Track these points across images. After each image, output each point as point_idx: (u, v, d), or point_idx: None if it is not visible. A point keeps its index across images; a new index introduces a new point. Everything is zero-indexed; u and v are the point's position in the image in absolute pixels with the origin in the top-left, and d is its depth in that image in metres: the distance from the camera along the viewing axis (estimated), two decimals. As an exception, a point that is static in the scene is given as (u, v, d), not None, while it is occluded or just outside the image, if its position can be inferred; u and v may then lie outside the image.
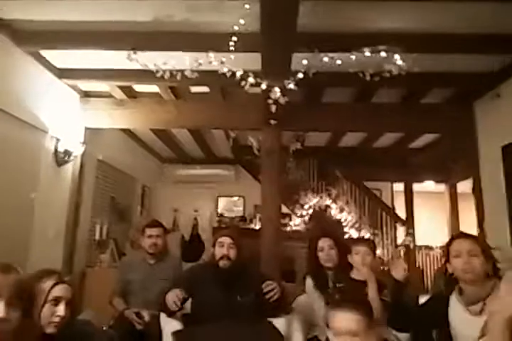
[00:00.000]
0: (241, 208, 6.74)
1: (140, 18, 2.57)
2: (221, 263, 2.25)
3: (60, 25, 2.67)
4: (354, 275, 2.37)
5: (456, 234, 1.87)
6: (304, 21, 2.26)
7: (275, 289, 2.14)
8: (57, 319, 1.37)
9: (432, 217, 7.16)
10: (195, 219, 6.47)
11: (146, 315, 2.54)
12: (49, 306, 1.38)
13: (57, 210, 3.46)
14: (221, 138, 5.27)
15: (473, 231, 3.42)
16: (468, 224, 4.07)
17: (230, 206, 6.80)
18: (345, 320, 1.40)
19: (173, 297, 2.07)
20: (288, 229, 5.60)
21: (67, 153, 3.40)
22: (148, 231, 2.79)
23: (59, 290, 1.41)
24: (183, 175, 6.55)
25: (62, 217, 3.52)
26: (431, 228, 6.65)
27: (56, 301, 1.39)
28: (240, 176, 6.54)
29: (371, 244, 2.50)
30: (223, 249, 2.27)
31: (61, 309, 1.38)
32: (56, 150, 3.33)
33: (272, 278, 2.31)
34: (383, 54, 2.65)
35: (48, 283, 1.40)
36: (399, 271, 1.96)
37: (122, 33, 2.72)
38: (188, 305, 2.30)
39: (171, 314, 2.21)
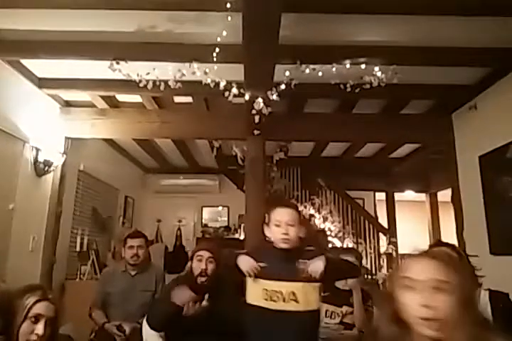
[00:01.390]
0: (225, 218, 6.71)
1: (123, 29, 2.57)
2: (199, 281, 2.19)
3: (42, 35, 2.64)
4: (339, 284, 2.37)
5: (434, 242, 1.92)
6: (286, 33, 2.30)
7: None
8: (34, 337, 1.32)
9: (413, 226, 7.26)
10: (179, 229, 6.40)
11: (127, 328, 2.49)
12: (28, 323, 1.33)
13: (36, 221, 3.38)
14: (205, 148, 5.26)
15: (454, 239, 3.48)
16: (450, 232, 4.14)
17: (214, 216, 6.75)
18: (285, 212, 1.85)
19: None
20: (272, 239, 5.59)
21: (47, 163, 3.33)
22: (130, 242, 2.75)
23: (40, 308, 1.36)
24: (166, 185, 6.49)
25: (41, 228, 3.44)
26: (413, 236, 6.73)
27: (36, 319, 1.34)
28: (224, 186, 6.52)
29: (357, 253, 2.52)
30: (201, 263, 2.22)
31: (40, 327, 1.33)
32: (36, 161, 3.27)
33: None
34: (363, 66, 2.72)
35: (30, 300, 1.36)
36: None
37: (105, 43, 2.71)
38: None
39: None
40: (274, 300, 1.75)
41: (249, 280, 1.84)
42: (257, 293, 1.80)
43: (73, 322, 2.59)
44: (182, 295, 2.00)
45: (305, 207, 5.77)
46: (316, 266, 1.75)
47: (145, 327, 2.20)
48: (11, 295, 1.14)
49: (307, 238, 2.44)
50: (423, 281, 0.93)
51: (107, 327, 2.56)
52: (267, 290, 1.77)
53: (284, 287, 1.76)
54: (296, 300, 1.75)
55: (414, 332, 0.93)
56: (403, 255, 6.34)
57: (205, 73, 2.74)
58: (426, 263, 0.96)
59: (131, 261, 2.73)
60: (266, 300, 1.76)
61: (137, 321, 2.48)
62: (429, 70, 3.02)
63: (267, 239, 1.89)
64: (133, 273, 2.76)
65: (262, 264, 1.82)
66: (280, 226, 1.82)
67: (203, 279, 2.19)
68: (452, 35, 2.60)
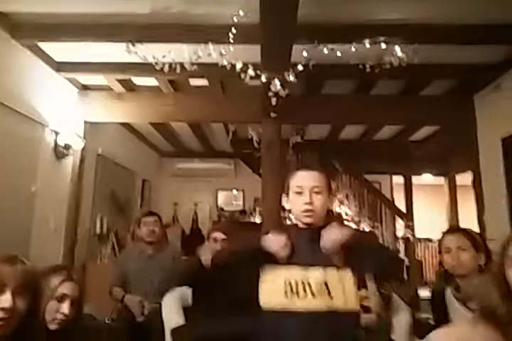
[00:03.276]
0: (241, 202, 6.76)
1: (138, 10, 2.54)
2: (214, 261, 2.21)
3: (58, 18, 2.64)
4: None
5: (447, 229, 1.88)
6: (304, 12, 2.24)
7: None
8: (60, 316, 1.37)
9: (431, 210, 7.19)
10: (195, 213, 6.49)
11: (146, 305, 2.55)
12: (54, 302, 1.38)
13: (57, 204, 3.46)
14: (220, 132, 5.26)
15: (473, 223, 3.43)
16: (468, 216, 4.08)
17: (229, 200, 6.81)
18: (309, 176, 1.40)
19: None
20: (288, 222, 5.62)
21: (66, 146, 3.39)
22: (144, 220, 2.82)
23: (66, 288, 1.41)
24: (182, 169, 6.55)
25: (62, 210, 3.53)
26: (430, 220, 6.67)
27: (62, 298, 1.39)
28: (239, 170, 6.54)
29: (374, 238, 2.51)
30: (216, 244, 2.28)
31: (65, 307, 1.38)
32: (56, 144, 3.32)
33: None
34: (383, 45, 2.64)
35: (56, 279, 1.40)
36: None
37: (120, 25, 2.69)
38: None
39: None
40: (299, 295, 1.28)
41: (266, 273, 1.35)
42: (274, 287, 1.31)
43: (94, 301, 2.68)
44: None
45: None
46: (333, 233, 1.32)
47: (165, 305, 2.26)
48: (37, 275, 1.18)
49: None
50: None
51: (127, 299, 2.60)
52: (289, 281, 1.30)
53: (313, 276, 1.29)
54: (329, 294, 1.27)
55: None
56: (420, 239, 6.30)
57: (221, 55, 2.70)
58: None
59: (148, 239, 2.77)
60: (287, 295, 1.28)
61: (156, 302, 2.53)
62: (451, 49, 2.91)
63: (286, 214, 1.59)
64: (150, 252, 2.81)
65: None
66: (302, 194, 1.37)
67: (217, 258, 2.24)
68: (475, 12, 2.49)
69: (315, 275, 1.30)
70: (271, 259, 1.35)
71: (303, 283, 1.29)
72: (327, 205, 1.40)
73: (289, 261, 1.34)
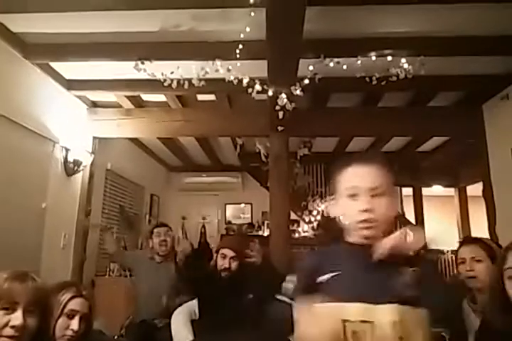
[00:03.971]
0: (248, 215, 6.73)
1: (147, 29, 2.60)
2: (223, 274, 2.28)
3: (69, 38, 2.70)
4: None
5: (462, 239, 1.85)
6: (310, 27, 2.27)
7: None
8: (70, 332, 1.37)
9: (442, 221, 7.09)
10: (203, 226, 6.46)
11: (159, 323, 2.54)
12: (64, 319, 1.37)
13: (67, 219, 3.48)
14: (227, 146, 5.28)
15: (485, 234, 3.37)
16: (480, 227, 4.02)
17: (237, 213, 6.79)
18: (366, 173, 1.01)
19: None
20: (296, 235, 5.57)
21: (76, 162, 3.42)
22: (157, 231, 2.88)
23: (75, 304, 1.40)
24: (190, 183, 6.56)
25: (72, 226, 3.54)
26: (442, 232, 6.57)
27: (71, 315, 1.38)
28: (246, 183, 6.54)
29: None
30: (225, 261, 2.28)
31: (75, 323, 1.37)
32: (66, 160, 3.36)
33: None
34: (389, 58, 2.66)
35: (65, 296, 1.40)
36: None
37: (130, 44, 2.75)
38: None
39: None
40: None
41: (304, 311, 0.92)
42: (322, 330, 0.87)
43: (103, 317, 2.67)
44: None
45: (329, 203, 5.71)
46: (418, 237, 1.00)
47: (174, 321, 2.25)
48: (48, 292, 1.18)
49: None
50: None
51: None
52: (345, 321, 0.86)
53: (377, 313, 0.86)
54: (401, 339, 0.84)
55: None
56: (431, 251, 6.19)
57: (228, 70, 2.74)
58: None
59: (161, 250, 2.81)
60: None
61: (165, 317, 2.51)
62: (457, 60, 2.92)
63: (336, 223, 1.10)
64: (158, 260, 2.83)
65: (331, 273, 0.98)
66: (358, 197, 1.02)
67: (227, 273, 2.27)
68: (481, 24, 2.50)
69: (380, 312, 0.85)
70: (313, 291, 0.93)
71: (364, 322, 0.85)
72: (390, 212, 1.03)
73: (341, 293, 0.91)
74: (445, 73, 3.13)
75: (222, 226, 6.63)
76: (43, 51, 2.82)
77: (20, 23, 2.58)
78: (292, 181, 5.18)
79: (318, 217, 5.65)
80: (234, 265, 2.28)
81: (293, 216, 5.29)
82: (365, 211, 1.00)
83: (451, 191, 6.17)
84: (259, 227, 6.28)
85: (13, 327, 0.98)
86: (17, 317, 0.99)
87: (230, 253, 2.29)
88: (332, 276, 0.94)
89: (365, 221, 1.00)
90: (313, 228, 5.63)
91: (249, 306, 2.15)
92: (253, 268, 2.45)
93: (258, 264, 2.65)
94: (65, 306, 1.39)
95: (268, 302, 2.02)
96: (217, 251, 2.36)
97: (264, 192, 4.31)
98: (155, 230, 2.91)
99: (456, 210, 6.04)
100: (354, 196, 1.02)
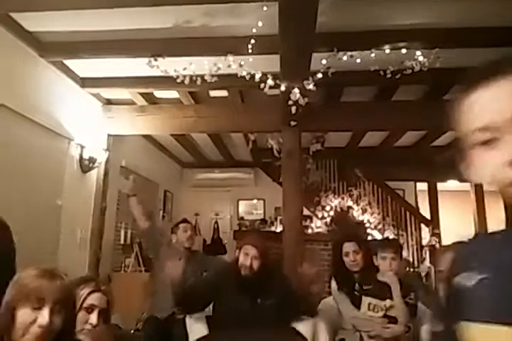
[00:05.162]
0: (261, 211, 6.73)
1: (159, 25, 2.60)
2: (243, 272, 2.22)
3: (82, 36, 2.73)
4: (379, 277, 2.32)
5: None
6: (323, 20, 2.24)
7: None
8: (88, 327, 1.38)
9: (458, 216, 6.98)
10: (216, 222, 6.50)
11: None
12: (83, 313, 1.39)
13: (83, 216, 3.53)
14: (240, 142, 5.28)
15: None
16: (497, 222, 3.94)
17: (250, 209, 6.79)
18: None
19: None
20: (309, 231, 5.56)
21: (91, 159, 3.46)
22: (182, 225, 2.93)
23: (94, 299, 1.42)
24: (202, 179, 6.59)
25: (88, 222, 3.59)
26: (457, 227, 6.48)
27: (90, 309, 1.40)
28: (259, 179, 6.54)
29: (397, 247, 2.44)
30: (247, 259, 2.23)
31: (93, 317, 1.38)
32: (81, 158, 3.40)
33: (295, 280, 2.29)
34: (404, 51, 2.61)
35: (84, 290, 1.42)
36: None
37: (143, 41, 2.76)
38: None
39: None
40: None
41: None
42: None
43: (119, 312, 2.70)
44: None
45: (342, 198, 5.68)
46: None
47: (189, 316, 2.26)
48: (73, 290, 1.18)
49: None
50: None
51: None
52: None
53: None
54: None
55: None
56: (446, 246, 6.12)
57: (241, 65, 2.73)
58: None
59: (187, 244, 2.85)
60: None
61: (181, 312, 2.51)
62: (473, 52, 2.85)
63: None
64: (187, 254, 2.86)
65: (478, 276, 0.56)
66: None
67: (247, 271, 2.21)
68: (498, 15, 2.44)
69: None
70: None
71: None
72: None
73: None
74: (460, 65, 3.06)
75: (234, 222, 6.64)
76: (57, 49, 2.86)
77: (36, 22, 2.61)
78: (305, 177, 5.16)
79: (332, 213, 5.63)
80: (256, 263, 2.22)
81: (306, 211, 5.28)
82: None
83: (467, 186, 6.06)
84: (272, 223, 6.28)
85: (39, 326, 0.99)
86: (43, 316, 0.99)
87: (253, 251, 2.26)
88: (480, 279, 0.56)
89: None
90: (326, 223, 5.61)
91: (261, 310, 2.14)
92: (275, 274, 2.41)
93: (280, 271, 2.62)
94: (84, 301, 1.40)
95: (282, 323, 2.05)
96: (239, 247, 2.33)
97: (277, 188, 4.31)
98: (181, 225, 2.96)
99: (472, 205, 5.94)
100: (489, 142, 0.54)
